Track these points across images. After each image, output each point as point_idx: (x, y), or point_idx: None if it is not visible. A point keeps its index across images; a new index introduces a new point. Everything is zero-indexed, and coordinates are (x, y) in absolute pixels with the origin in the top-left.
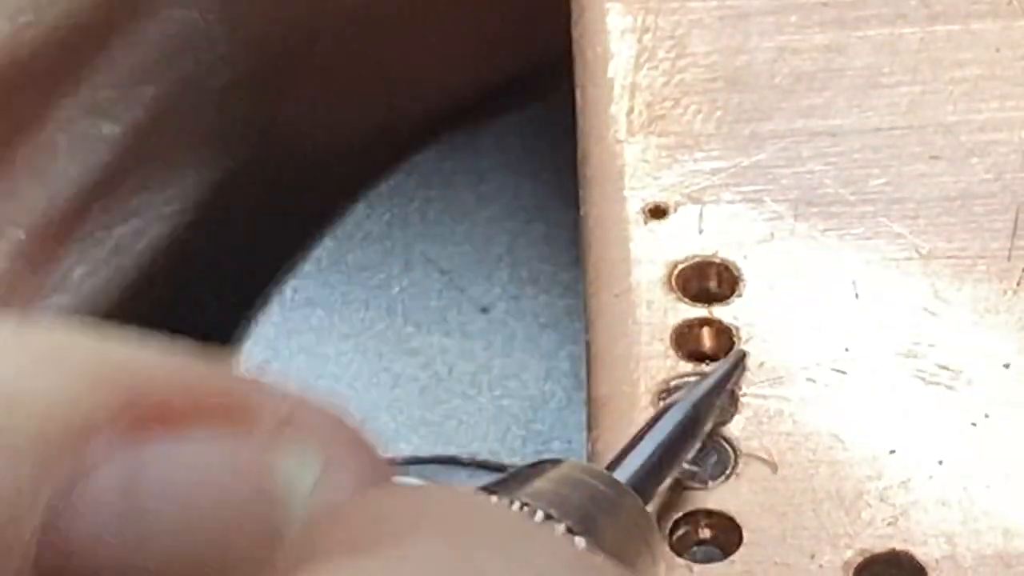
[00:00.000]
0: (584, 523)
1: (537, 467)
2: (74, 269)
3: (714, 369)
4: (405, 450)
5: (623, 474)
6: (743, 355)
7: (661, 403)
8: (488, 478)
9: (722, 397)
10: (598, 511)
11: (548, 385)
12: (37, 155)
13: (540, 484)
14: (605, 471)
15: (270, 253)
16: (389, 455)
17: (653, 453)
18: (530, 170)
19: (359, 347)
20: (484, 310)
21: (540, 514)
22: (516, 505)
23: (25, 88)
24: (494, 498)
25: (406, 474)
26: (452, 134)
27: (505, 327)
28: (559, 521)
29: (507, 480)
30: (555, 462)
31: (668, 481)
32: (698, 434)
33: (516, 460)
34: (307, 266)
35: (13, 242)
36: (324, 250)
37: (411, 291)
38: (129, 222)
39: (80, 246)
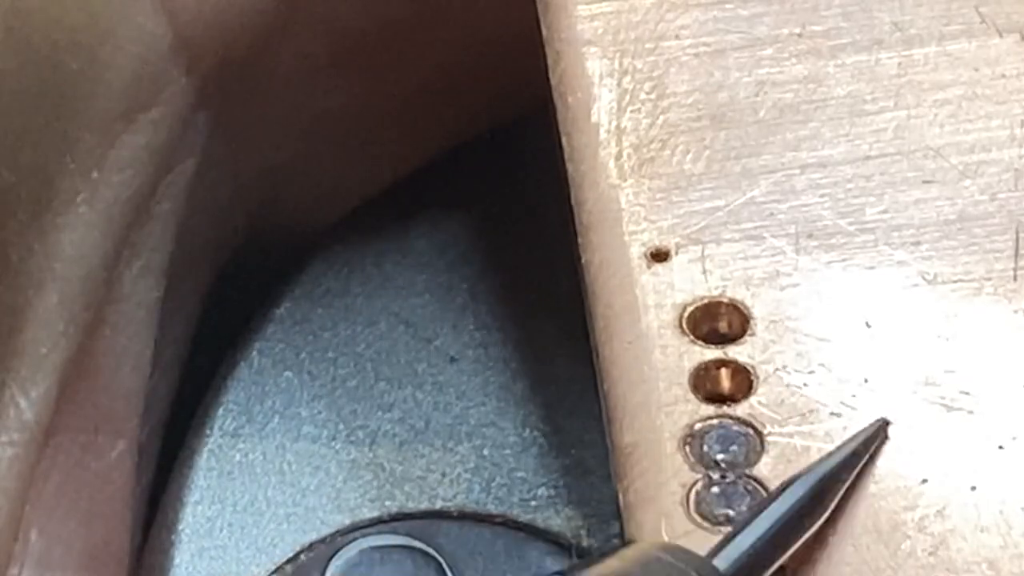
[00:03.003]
0: None
1: (624, 550)
2: None
3: (847, 441)
4: (391, 507)
5: (726, 559)
6: (883, 424)
7: (686, 447)
8: (478, 530)
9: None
10: None
11: (527, 431)
12: None
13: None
14: (703, 558)
15: (232, 315)
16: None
17: (764, 534)
18: (483, 215)
19: (332, 406)
20: (453, 360)
21: None
22: None
23: None
24: None
25: (394, 531)
26: (400, 183)
27: (476, 376)
28: None
29: (591, 566)
30: (646, 545)
31: (779, 563)
32: (821, 513)
33: (504, 510)
34: (270, 327)
35: None
36: (285, 310)
37: (378, 346)
38: None
39: None
